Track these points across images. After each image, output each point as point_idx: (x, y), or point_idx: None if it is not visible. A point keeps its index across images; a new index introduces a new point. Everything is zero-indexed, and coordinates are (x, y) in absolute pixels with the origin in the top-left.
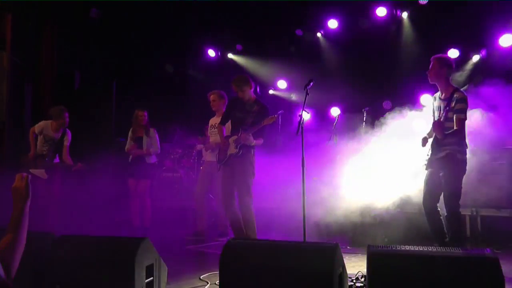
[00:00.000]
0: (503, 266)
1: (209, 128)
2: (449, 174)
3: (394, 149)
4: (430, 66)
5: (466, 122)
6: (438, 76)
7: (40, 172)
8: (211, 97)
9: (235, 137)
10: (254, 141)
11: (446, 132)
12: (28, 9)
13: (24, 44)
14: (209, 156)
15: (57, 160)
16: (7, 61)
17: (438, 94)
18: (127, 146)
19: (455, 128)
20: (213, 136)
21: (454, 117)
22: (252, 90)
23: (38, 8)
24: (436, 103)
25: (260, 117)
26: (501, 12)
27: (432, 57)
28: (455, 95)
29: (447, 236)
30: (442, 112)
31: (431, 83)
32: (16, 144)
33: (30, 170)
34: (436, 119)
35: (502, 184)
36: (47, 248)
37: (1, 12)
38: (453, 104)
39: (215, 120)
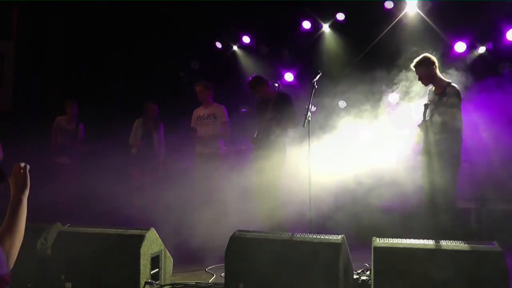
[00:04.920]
0: (508, 260)
1: (195, 120)
2: (443, 168)
3: (396, 141)
4: (418, 74)
5: (460, 116)
6: (430, 77)
7: (62, 159)
8: (197, 89)
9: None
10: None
11: (437, 128)
12: None
13: (30, 33)
14: (201, 149)
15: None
16: (13, 51)
17: (431, 88)
18: (132, 140)
19: (448, 122)
20: (203, 127)
21: (447, 111)
22: (268, 87)
23: None
24: (430, 97)
25: (279, 105)
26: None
27: (413, 66)
28: (447, 90)
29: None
30: (436, 106)
31: (429, 84)
32: (22, 133)
33: (54, 160)
34: (429, 112)
35: (508, 176)
36: (51, 239)
37: (8, 2)
38: (445, 99)
39: (201, 111)
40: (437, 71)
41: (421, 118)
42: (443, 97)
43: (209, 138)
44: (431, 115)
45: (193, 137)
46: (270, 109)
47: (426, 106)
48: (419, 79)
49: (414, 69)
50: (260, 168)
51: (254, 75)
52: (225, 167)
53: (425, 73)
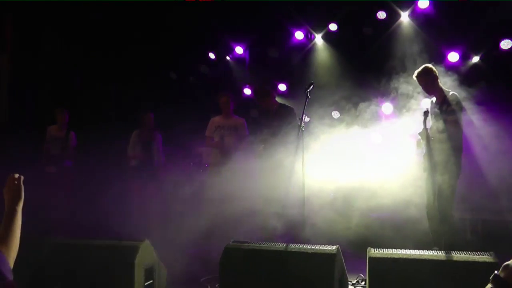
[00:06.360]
0: None
1: (212, 128)
2: (443, 178)
3: (395, 151)
4: (420, 84)
5: (461, 124)
6: (431, 87)
7: (50, 169)
8: (222, 99)
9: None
10: None
11: (438, 136)
12: (29, 11)
13: (24, 46)
14: (217, 158)
15: (69, 162)
16: (8, 63)
17: (433, 98)
18: (131, 151)
19: (447, 131)
20: (222, 138)
21: (447, 120)
22: (274, 98)
23: (39, 9)
24: (432, 106)
25: (280, 117)
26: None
27: (415, 76)
28: (447, 98)
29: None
30: (436, 115)
31: (430, 95)
32: (16, 144)
33: (44, 169)
34: (430, 120)
35: (504, 187)
36: (45, 252)
37: (2, 14)
38: (445, 107)
39: (221, 121)
40: (438, 81)
41: (421, 126)
42: (443, 106)
43: (228, 149)
44: (432, 123)
45: (216, 145)
46: (274, 120)
47: (425, 113)
48: (423, 89)
49: (415, 79)
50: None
51: (262, 86)
52: (237, 179)
53: (426, 83)
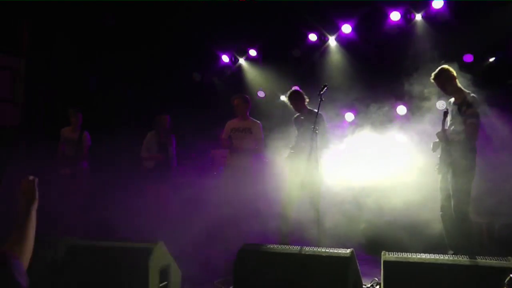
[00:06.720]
0: None
1: (228, 131)
2: (457, 179)
3: (409, 153)
4: (437, 86)
5: (477, 126)
6: (449, 88)
7: (65, 170)
8: (235, 102)
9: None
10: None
11: (456, 138)
12: (44, 15)
13: (40, 49)
14: (234, 161)
15: (84, 163)
16: (24, 67)
17: (452, 99)
18: (145, 153)
19: (465, 132)
20: (237, 140)
21: (465, 122)
22: (305, 101)
23: (54, 14)
24: (450, 108)
25: (310, 121)
26: None
27: (432, 78)
28: (466, 100)
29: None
30: (454, 116)
31: (451, 95)
32: (32, 147)
33: (58, 171)
34: (448, 122)
35: None
36: (62, 253)
37: (18, 18)
38: (464, 109)
39: (236, 124)
40: (456, 82)
41: (439, 126)
42: (462, 107)
43: (244, 151)
44: (450, 125)
45: (228, 146)
46: (304, 123)
47: (445, 114)
48: (443, 91)
49: (433, 81)
50: (298, 182)
51: (295, 89)
52: (253, 181)
53: (444, 84)
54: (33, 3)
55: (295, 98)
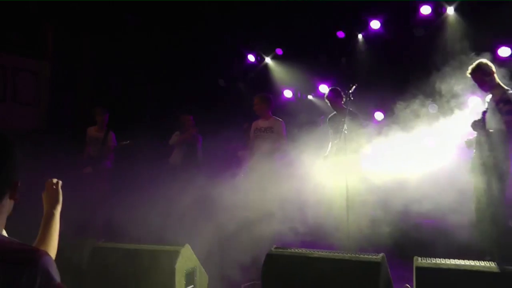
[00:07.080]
0: None
1: (253, 132)
2: (492, 180)
3: (437, 154)
4: (474, 81)
5: None
6: (486, 84)
7: (87, 169)
8: (255, 101)
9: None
10: None
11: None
12: (68, 18)
13: (64, 53)
14: (254, 161)
15: (108, 163)
16: (49, 71)
17: (489, 96)
18: (173, 160)
19: (503, 130)
20: (260, 140)
21: (504, 119)
22: (342, 100)
23: (78, 15)
24: (488, 104)
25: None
26: None
27: (468, 73)
28: (504, 97)
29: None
30: (492, 114)
31: (488, 92)
32: (57, 150)
33: (83, 170)
34: (486, 119)
35: None
36: (86, 256)
37: (43, 23)
38: (502, 105)
39: (259, 124)
40: (495, 77)
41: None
42: (500, 104)
43: (265, 151)
44: (487, 123)
45: (250, 146)
46: (341, 122)
47: (484, 113)
48: (480, 87)
49: (469, 76)
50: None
51: (333, 87)
52: (278, 182)
53: (481, 79)
54: (56, 4)
55: (335, 96)
